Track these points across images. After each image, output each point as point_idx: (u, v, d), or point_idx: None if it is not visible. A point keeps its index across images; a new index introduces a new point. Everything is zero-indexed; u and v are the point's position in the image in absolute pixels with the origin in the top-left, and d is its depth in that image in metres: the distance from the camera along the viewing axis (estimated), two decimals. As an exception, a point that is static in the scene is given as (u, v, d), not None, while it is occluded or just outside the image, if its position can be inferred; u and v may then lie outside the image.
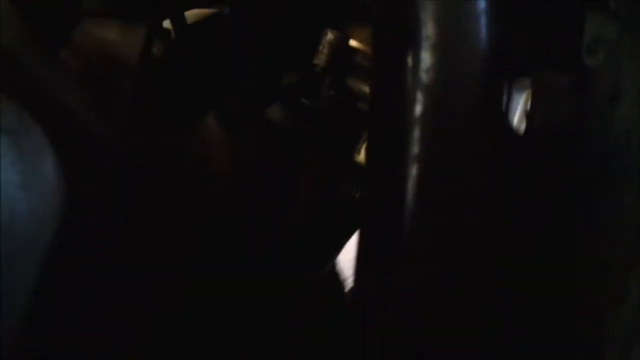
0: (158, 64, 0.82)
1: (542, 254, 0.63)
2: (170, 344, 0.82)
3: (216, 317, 0.85)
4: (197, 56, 0.85)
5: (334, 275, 1.05)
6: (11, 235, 0.55)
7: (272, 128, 0.85)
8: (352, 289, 0.64)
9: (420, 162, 0.56)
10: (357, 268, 0.62)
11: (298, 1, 0.86)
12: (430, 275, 0.58)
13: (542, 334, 0.63)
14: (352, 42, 0.85)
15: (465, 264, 0.58)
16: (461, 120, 0.57)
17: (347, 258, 1.02)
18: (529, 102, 0.70)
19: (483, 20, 0.55)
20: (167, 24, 0.86)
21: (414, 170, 0.56)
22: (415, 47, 0.55)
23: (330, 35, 0.84)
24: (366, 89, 0.83)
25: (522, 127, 0.70)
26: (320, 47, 0.84)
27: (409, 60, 0.55)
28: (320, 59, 0.84)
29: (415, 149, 0.56)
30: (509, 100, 0.62)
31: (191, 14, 0.88)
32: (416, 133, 0.55)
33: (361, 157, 0.82)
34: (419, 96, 0.55)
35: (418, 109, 0.55)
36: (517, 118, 0.71)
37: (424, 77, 0.55)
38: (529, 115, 0.69)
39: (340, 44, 0.84)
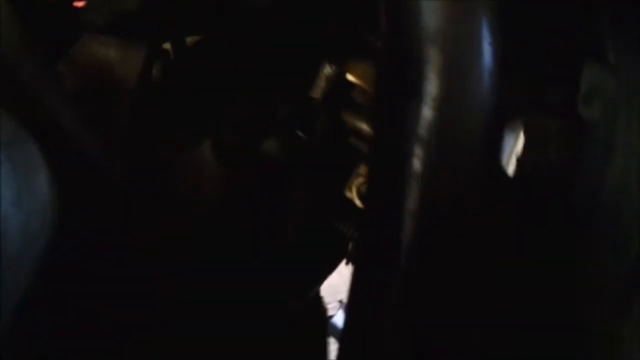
0: (156, 85, 0.82)
1: (533, 297, 0.63)
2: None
3: (197, 341, 0.84)
4: (195, 80, 0.84)
5: (316, 304, 1.05)
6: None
7: (265, 158, 0.85)
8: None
9: (416, 217, 0.56)
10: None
11: (298, 33, 0.87)
12: (421, 331, 0.59)
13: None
14: (350, 77, 0.85)
15: (458, 317, 0.59)
16: (459, 176, 0.57)
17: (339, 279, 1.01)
18: (520, 144, 0.70)
19: (487, 79, 0.55)
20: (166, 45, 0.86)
21: (409, 226, 0.56)
22: (417, 101, 0.55)
23: (328, 69, 0.84)
24: (361, 124, 0.83)
25: (511, 169, 0.70)
26: (318, 81, 0.84)
27: (410, 114, 0.55)
28: (317, 92, 0.84)
29: (411, 204, 0.56)
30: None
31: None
32: (413, 188, 0.55)
33: (352, 193, 0.82)
34: (417, 151, 0.55)
35: (416, 163, 0.55)
36: (505, 159, 0.71)
37: (424, 132, 0.55)
38: (520, 159, 0.70)
39: (338, 79, 0.84)
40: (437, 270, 0.58)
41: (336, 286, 1.08)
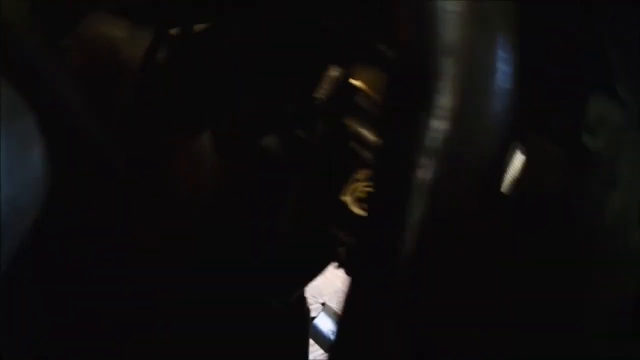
0: (160, 69, 0.81)
1: (528, 321, 0.63)
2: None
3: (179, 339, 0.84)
4: (199, 68, 0.84)
5: (299, 304, 1.04)
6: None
7: (263, 154, 0.85)
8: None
9: (419, 228, 0.56)
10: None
11: (306, 32, 0.86)
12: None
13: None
14: (355, 82, 0.84)
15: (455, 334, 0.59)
16: (464, 190, 0.57)
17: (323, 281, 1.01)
18: (518, 165, 0.70)
19: (500, 97, 0.55)
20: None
21: (412, 236, 0.56)
22: (428, 113, 0.55)
23: (333, 72, 0.84)
24: (362, 129, 0.82)
25: (508, 189, 0.70)
26: (322, 82, 0.84)
27: (420, 125, 0.55)
28: (321, 93, 0.83)
29: (415, 215, 0.56)
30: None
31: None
32: (417, 199, 0.55)
33: (348, 198, 0.81)
34: (425, 162, 0.55)
35: (422, 175, 0.55)
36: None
37: (433, 144, 0.55)
38: (517, 180, 0.69)
39: (343, 82, 0.84)
40: (436, 282, 0.58)
41: (319, 288, 1.08)
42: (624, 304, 0.66)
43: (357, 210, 0.81)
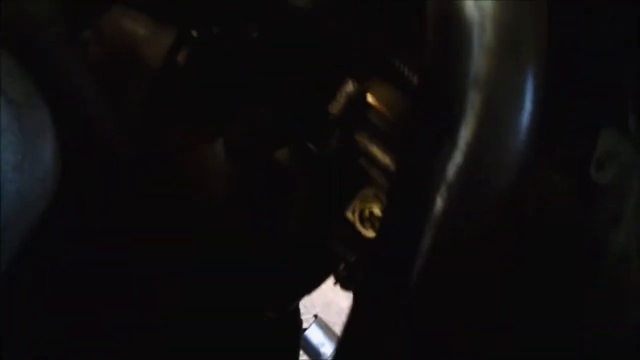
0: (179, 70, 0.81)
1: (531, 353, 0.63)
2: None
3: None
4: (216, 73, 0.84)
5: (292, 315, 1.04)
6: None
7: (273, 164, 0.84)
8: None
9: (428, 257, 0.56)
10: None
11: (325, 44, 0.86)
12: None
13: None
14: (369, 98, 0.84)
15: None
16: (477, 223, 0.57)
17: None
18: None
19: (524, 133, 0.55)
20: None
21: (421, 266, 0.56)
22: (451, 143, 0.55)
23: (350, 87, 0.83)
24: (373, 147, 0.82)
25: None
26: (338, 96, 0.83)
27: (441, 155, 0.55)
28: (335, 108, 0.83)
29: (425, 244, 0.55)
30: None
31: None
32: (430, 228, 0.55)
33: (353, 215, 0.81)
34: (442, 193, 0.55)
35: (438, 205, 0.55)
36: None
37: (452, 176, 0.55)
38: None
39: (358, 97, 0.84)
40: (440, 312, 0.58)
41: (311, 299, 1.08)
42: (627, 337, 0.66)
43: (361, 228, 0.80)
